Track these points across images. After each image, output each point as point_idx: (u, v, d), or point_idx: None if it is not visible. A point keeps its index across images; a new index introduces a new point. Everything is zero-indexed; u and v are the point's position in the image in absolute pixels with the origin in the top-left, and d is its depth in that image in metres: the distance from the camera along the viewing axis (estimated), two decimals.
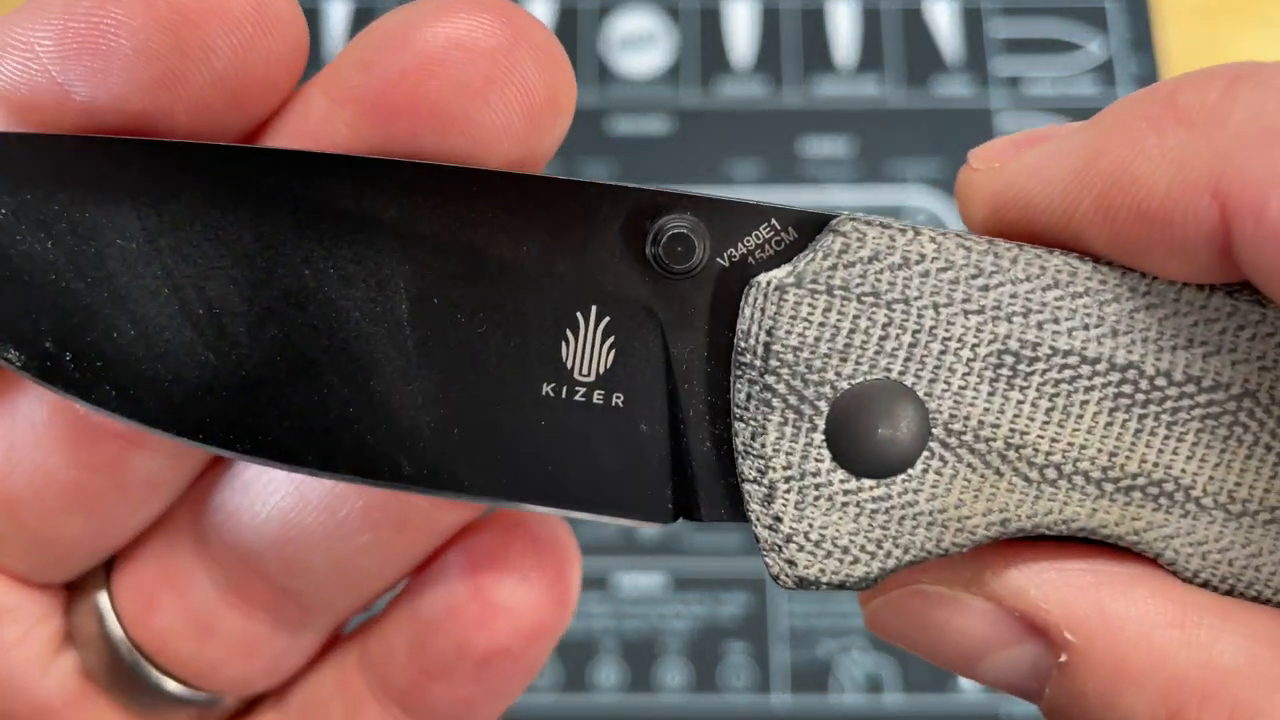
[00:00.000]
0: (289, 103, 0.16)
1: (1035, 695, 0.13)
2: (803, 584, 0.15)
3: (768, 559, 0.15)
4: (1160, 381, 0.15)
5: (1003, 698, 0.40)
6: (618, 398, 0.16)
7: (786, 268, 0.15)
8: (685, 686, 0.40)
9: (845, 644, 0.41)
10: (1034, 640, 0.13)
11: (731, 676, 0.41)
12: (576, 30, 0.49)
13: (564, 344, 0.15)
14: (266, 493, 0.17)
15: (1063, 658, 0.12)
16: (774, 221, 0.15)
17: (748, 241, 0.15)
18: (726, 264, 0.15)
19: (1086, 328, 0.15)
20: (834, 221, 0.15)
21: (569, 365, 0.15)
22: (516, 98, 0.14)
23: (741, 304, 0.15)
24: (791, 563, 0.15)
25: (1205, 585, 0.14)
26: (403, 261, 0.15)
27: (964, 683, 0.40)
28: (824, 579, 0.15)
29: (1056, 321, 0.15)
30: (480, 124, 0.14)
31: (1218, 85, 0.13)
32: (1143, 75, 0.48)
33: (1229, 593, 0.14)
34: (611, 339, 0.16)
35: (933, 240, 0.15)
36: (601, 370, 0.16)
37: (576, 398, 0.15)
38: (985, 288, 0.15)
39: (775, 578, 0.15)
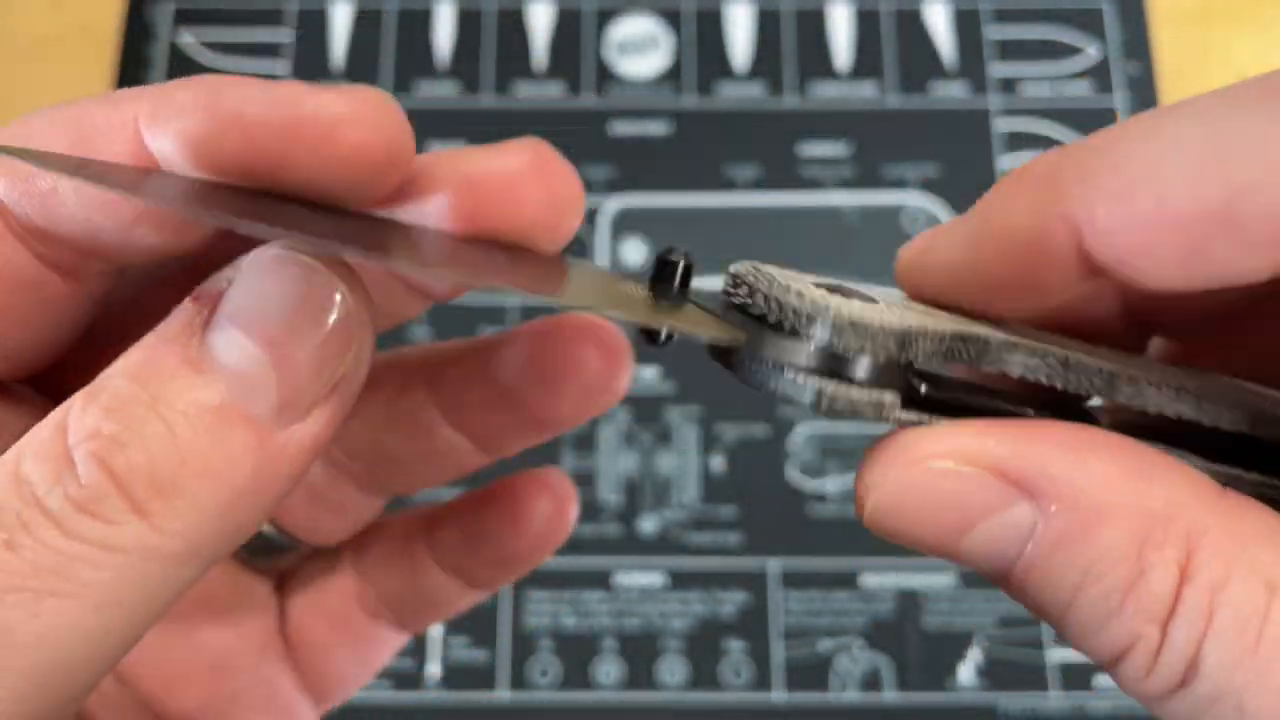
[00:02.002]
0: None
1: (1008, 564, 0.15)
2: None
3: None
4: None
5: (999, 694, 0.40)
6: None
7: None
8: (685, 683, 0.41)
9: (843, 642, 0.41)
10: (1024, 501, 0.15)
11: (730, 673, 0.41)
12: (577, 34, 0.50)
13: None
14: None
15: (1053, 508, 0.15)
16: None
17: None
18: None
19: None
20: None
21: None
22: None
23: None
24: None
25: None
26: None
27: (961, 679, 0.41)
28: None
29: None
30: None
31: (1057, 150, 0.17)
32: (1138, 78, 0.49)
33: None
34: None
35: None
36: None
37: None
38: None
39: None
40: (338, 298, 0.15)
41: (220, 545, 0.15)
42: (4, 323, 0.17)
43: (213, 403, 0.14)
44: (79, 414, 0.14)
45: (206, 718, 0.21)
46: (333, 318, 0.15)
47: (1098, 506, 0.14)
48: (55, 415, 0.15)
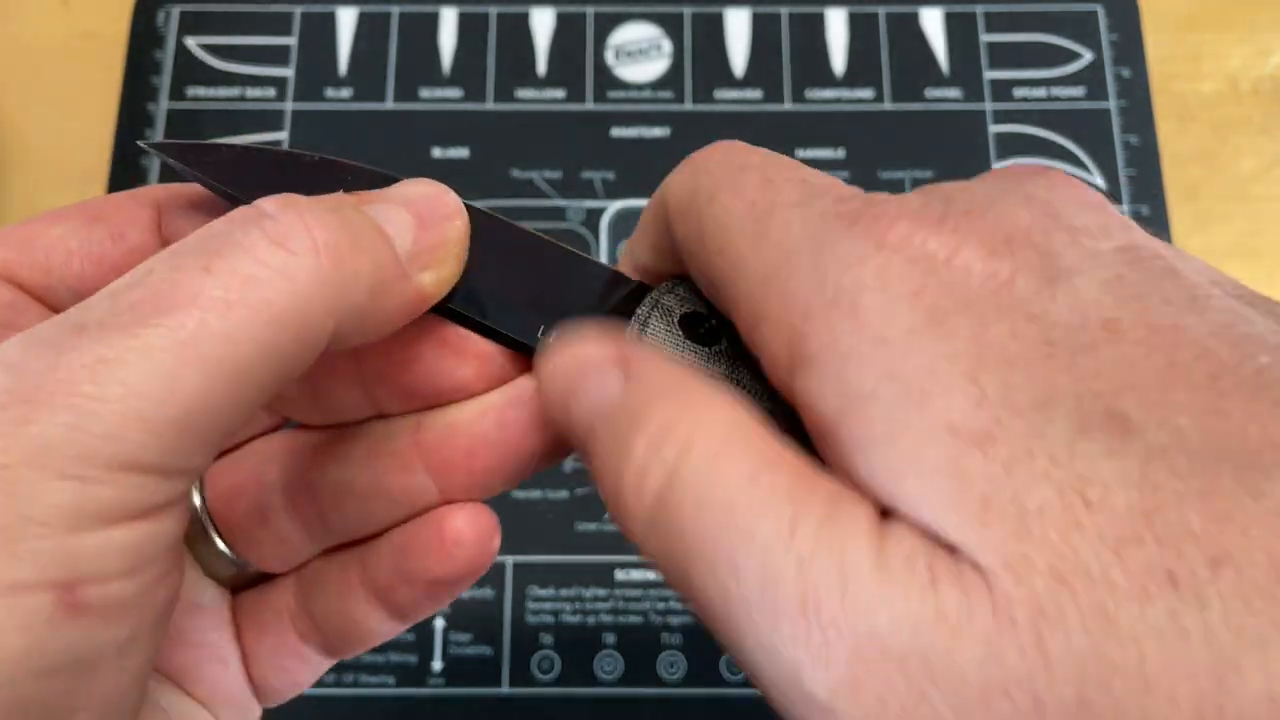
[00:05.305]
0: None
1: (601, 407, 0.19)
2: None
3: None
4: None
5: None
6: None
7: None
8: (684, 678, 0.41)
9: None
10: (615, 370, 0.19)
11: (729, 668, 0.41)
12: (579, 39, 0.50)
13: None
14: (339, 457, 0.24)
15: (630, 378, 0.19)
16: None
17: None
18: None
19: None
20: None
21: None
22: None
23: None
24: None
25: None
26: None
27: None
28: None
29: None
30: None
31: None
32: (1131, 82, 0.49)
33: None
34: None
35: None
36: None
37: None
38: None
39: None
40: (462, 217, 0.21)
41: (355, 315, 0.19)
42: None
43: (372, 224, 0.20)
44: (272, 196, 0.19)
45: (171, 677, 0.25)
46: (457, 222, 0.21)
47: (652, 377, 0.19)
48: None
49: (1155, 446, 0.14)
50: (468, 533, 0.23)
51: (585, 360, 0.20)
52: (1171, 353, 0.15)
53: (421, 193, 0.21)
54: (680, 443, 0.17)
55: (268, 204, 0.19)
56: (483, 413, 0.23)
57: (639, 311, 0.22)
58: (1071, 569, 0.13)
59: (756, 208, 0.19)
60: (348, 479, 0.24)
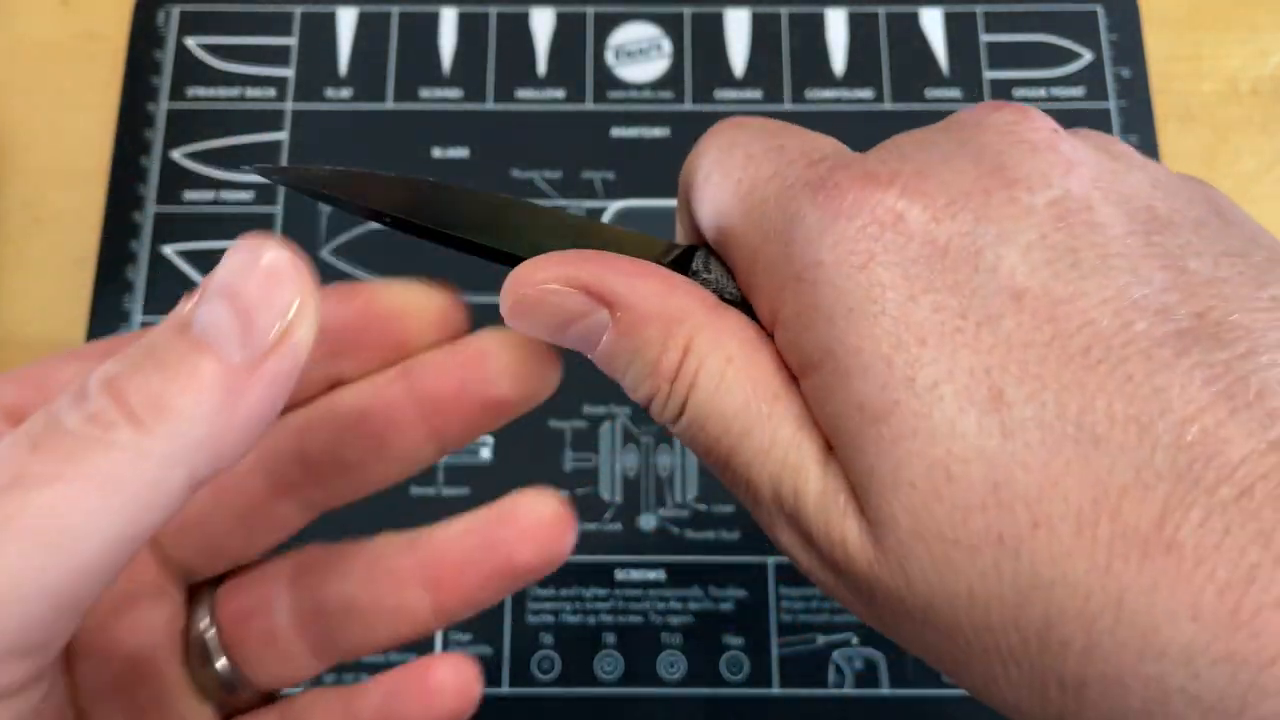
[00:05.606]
0: None
1: (593, 349, 0.22)
2: None
3: None
4: None
5: None
6: None
7: None
8: (684, 678, 0.41)
9: (841, 638, 0.42)
10: (600, 308, 0.22)
11: (729, 668, 0.41)
12: (579, 39, 0.50)
13: None
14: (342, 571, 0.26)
15: (618, 314, 0.21)
16: None
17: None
18: None
19: None
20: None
21: None
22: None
23: None
24: None
25: None
26: None
27: None
28: None
29: None
30: None
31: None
32: (1131, 82, 0.49)
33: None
34: None
35: None
36: None
37: None
38: None
39: None
40: (294, 282, 0.19)
41: (202, 456, 0.18)
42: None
43: (190, 345, 0.18)
44: (98, 371, 0.19)
45: None
46: (289, 296, 0.19)
47: (642, 310, 0.21)
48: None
49: (1019, 421, 0.18)
50: (450, 682, 0.25)
51: (562, 307, 0.22)
52: (1060, 323, 0.18)
53: (231, 273, 0.19)
54: (688, 380, 0.21)
55: (93, 382, 0.18)
56: (470, 530, 0.25)
57: (697, 254, 0.23)
58: (927, 530, 0.18)
59: (742, 186, 0.22)
60: (349, 596, 0.25)
